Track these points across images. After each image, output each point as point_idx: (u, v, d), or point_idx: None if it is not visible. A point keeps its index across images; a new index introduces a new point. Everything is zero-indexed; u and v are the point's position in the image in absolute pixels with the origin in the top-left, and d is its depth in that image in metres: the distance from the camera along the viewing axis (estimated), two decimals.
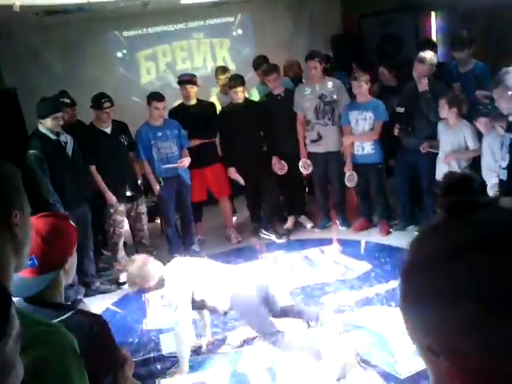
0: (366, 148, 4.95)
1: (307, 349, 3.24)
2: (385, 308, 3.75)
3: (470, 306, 0.51)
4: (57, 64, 6.63)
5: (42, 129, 4.28)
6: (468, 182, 0.60)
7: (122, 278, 4.90)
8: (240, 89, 5.04)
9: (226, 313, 3.29)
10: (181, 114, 5.15)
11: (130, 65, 7.03)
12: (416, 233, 0.63)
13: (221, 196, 5.49)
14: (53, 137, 4.30)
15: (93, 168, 4.68)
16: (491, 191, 3.63)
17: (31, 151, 4.19)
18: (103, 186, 4.70)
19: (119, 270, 4.92)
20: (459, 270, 0.52)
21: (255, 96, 5.64)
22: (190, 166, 5.06)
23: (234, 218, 5.88)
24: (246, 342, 3.57)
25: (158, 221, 5.81)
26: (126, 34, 6.93)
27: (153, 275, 3.14)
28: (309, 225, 5.52)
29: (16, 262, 1.00)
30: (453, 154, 4.36)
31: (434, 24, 7.04)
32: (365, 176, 5.02)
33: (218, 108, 5.48)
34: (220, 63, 6.81)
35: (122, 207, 4.82)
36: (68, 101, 4.96)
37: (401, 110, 4.67)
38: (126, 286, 4.83)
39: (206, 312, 3.50)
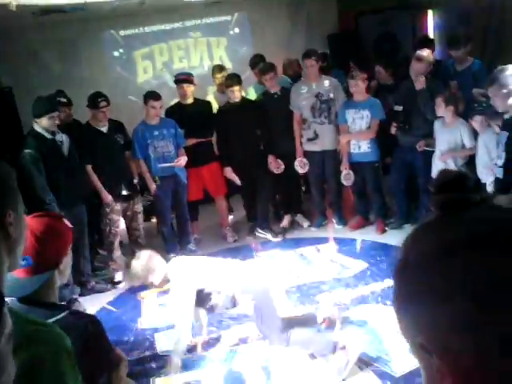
0: (362, 146, 4.95)
1: (314, 346, 3.25)
2: (380, 306, 3.76)
3: (463, 303, 0.51)
4: (53, 63, 6.61)
5: (37, 128, 4.26)
6: (462, 179, 0.60)
7: (118, 277, 4.91)
8: (237, 88, 5.03)
9: (234, 305, 3.29)
10: (177, 112, 5.14)
11: (126, 64, 7.01)
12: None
13: (217, 195, 5.49)
14: (48, 136, 4.28)
15: (89, 167, 4.67)
16: (490, 188, 3.64)
17: (26, 150, 4.17)
18: (99, 185, 4.69)
19: (115, 269, 4.91)
20: (453, 267, 0.52)
21: (252, 95, 5.63)
22: (187, 165, 5.05)
23: (231, 217, 5.88)
24: (241, 340, 3.57)
25: (154, 220, 5.80)
26: (122, 33, 6.91)
27: (157, 271, 3.15)
28: (305, 223, 5.52)
29: (10, 262, 0.99)
30: (449, 153, 4.37)
31: (431, 22, 7.06)
32: (361, 174, 5.03)
33: (215, 107, 5.48)
34: (217, 62, 6.80)
35: (118, 206, 4.81)
36: (64, 100, 4.95)
37: (399, 108, 4.67)
38: (121, 285, 4.85)
39: (202, 312, 3.50)
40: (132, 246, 5.21)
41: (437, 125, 4.46)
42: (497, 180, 3.52)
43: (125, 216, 4.97)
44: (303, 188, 6.02)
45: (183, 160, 4.96)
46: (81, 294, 4.57)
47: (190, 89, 5.14)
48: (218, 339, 3.64)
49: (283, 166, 5.21)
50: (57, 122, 4.33)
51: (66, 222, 1.65)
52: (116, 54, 6.96)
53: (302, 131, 5.17)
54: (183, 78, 5.20)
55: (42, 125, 4.24)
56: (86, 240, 4.62)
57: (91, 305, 4.24)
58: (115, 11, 6.24)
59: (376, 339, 3.37)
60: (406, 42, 7.00)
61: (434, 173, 4.39)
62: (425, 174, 4.53)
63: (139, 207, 5.01)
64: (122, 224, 5.03)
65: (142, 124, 4.94)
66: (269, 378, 3.17)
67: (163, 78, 7.05)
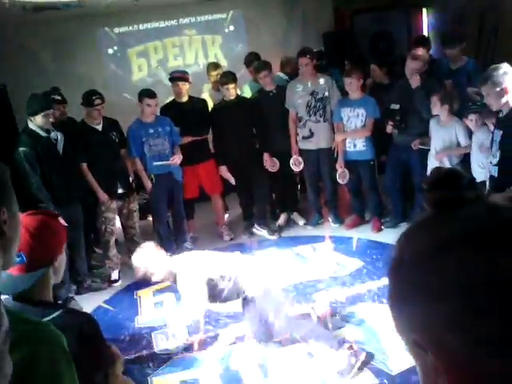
0: (357, 145, 4.95)
1: (323, 338, 3.26)
2: (376, 305, 3.77)
3: (456, 301, 0.51)
4: (47, 61, 6.59)
5: (31, 126, 4.25)
6: (455, 177, 0.60)
7: (114, 275, 4.90)
8: (232, 85, 5.02)
9: (237, 295, 3.30)
10: (173, 110, 5.13)
11: (121, 61, 6.99)
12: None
13: (213, 193, 5.48)
14: (43, 134, 4.27)
15: (84, 166, 4.65)
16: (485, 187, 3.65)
17: (21, 148, 4.16)
18: (95, 183, 4.67)
19: (111, 267, 4.90)
20: (446, 265, 0.52)
21: (247, 93, 5.62)
22: (183, 163, 5.04)
23: (226, 216, 5.88)
24: (238, 339, 3.56)
25: (150, 218, 5.79)
26: (117, 30, 6.89)
27: (159, 264, 3.18)
28: (301, 222, 5.52)
29: (4, 260, 0.99)
30: (444, 151, 4.38)
31: (426, 21, 7.07)
32: (357, 173, 5.03)
33: (210, 105, 5.47)
34: (212, 60, 6.78)
35: (113, 205, 4.80)
36: (59, 97, 4.92)
37: (395, 106, 4.67)
38: (117, 284, 4.84)
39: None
40: (128, 245, 5.21)
41: (432, 123, 4.47)
42: (491, 178, 3.53)
43: (120, 214, 4.96)
44: (299, 186, 6.03)
45: (178, 158, 4.95)
46: (77, 293, 4.56)
47: (185, 87, 5.13)
48: (215, 338, 3.63)
49: (278, 164, 5.21)
50: (51, 119, 4.31)
51: (62, 220, 1.64)
52: (110, 51, 6.93)
53: (297, 129, 5.17)
54: (178, 76, 5.18)
55: (36, 122, 4.22)
56: (81, 239, 4.62)
57: (87, 303, 4.23)
58: (109, 8, 6.21)
59: (372, 337, 3.38)
60: (402, 40, 7.01)
61: (429, 171, 4.40)
62: (420, 173, 4.54)
63: (135, 205, 5.00)
64: (117, 222, 5.02)
65: (136, 122, 4.93)
66: (266, 377, 3.18)
67: (158, 76, 7.04)
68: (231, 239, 5.41)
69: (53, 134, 4.35)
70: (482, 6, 5.72)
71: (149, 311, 4.25)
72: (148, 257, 3.22)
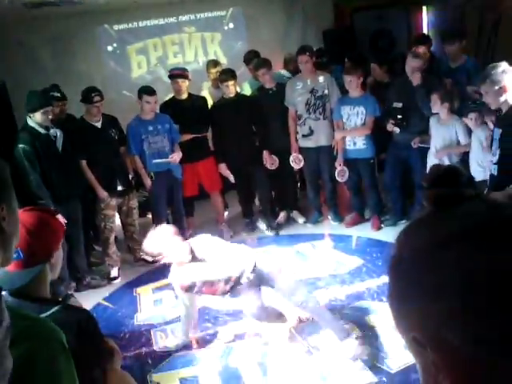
0: (357, 143, 4.95)
1: (329, 326, 3.28)
2: (376, 303, 3.77)
3: (456, 299, 0.50)
4: (47, 58, 6.58)
5: (31, 123, 4.24)
6: (454, 174, 0.60)
7: (113, 272, 4.90)
8: (231, 82, 5.02)
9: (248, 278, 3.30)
10: (172, 108, 5.12)
11: (120, 58, 6.97)
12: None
13: (212, 191, 5.48)
14: (42, 131, 4.26)
15: (83, 163, 4.64)
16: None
17: (20, 145, 4.15)
18: (94, 180, 4.67)
19: (110, 264, 4.90)
20: (445, 262, 0.52)
21: (247, 91, 5.62)
22: (182, 161, 5.04)
23: (226, 213, 5.88)
24: (238, 337, 3.57)
25: (150, 216, 5.79)
26: (116, 27, 6.87)
27: (171, 248, 3.16)
28: (301, 220, 5.52)
29: (3, 257, 0.99)
30: (444, 149, 4.38)
31: (426, 19, 7.07)
32: (356, 171, 5.03)
33: (210, 102, 5.46)
34: (211, 57, 6.77)
35: (113, 202, 4.80)
36: (58, 94, 4.91)
37: (398, 105, 4.66)
38: (117, 281, 4.84)
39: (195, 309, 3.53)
40: (127, 242, 5.21)
41: (432, 121, 4.47)
42: (491, 177, 3.53)
43: (120, 212, 4.96)
44: (299, 184, 6.02)
45: (177, 156, 4.95)
46: (76, 290, 4.56)
47: (184, 84, 5.12)
48: (214, 335, 3.64)
49: (278, 162, 5.21)
50: (50, 116, 4.30)
51: (60, 217, 1.64)
52: (110, 48, 6.92)
53: (297, 127, 5.16)
54: (178, 73, 5.17)
55: (35, 119, 4.22)
56: (81, 236, 4.62)
57: (87, 300, 4.23)
58: (109, 5, 6.20)
59: (372, 335, 3.38)
60: (401, 38, 7.00)
61: (429, 169, 4.39)
62: (420, 171, 4.54)
63: (134, 203, 5.00)
64: (117, 220, 5.02)
65: (136, 119, 4.92)
66: (265, 375, 3.18)
67: (158, 73, 7.02)
68: (231, 237, 5.40)
69: (52, 131, 4.34)
70: (482, 4, 5.72)
71: (148, 308, 4.25)
72: (165, 238, 3.19)
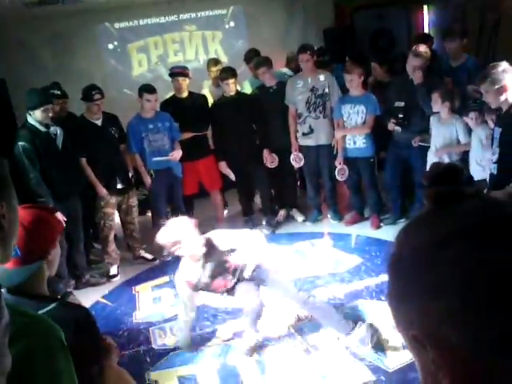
0: (357, 142, 4.95)
1: (335, 322, 3.30)
2: (374, 301, 3.77)
3: (456, 298, 0.50)
4: (47, 56, 6.57)
5: (31, 120, 4.23)
6: (455, 172, 0.60)
7: (113, 270, 4.90)
8: (232, 81, 5.01)
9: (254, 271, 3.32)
10: (172, 106, 5.12)
11: (121, 57, 6.97)
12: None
13: (212, 189, 5.48)
14: (42, 129, 4.26)
15: (83, 161, 4.64)
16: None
17: (20, 143, 4.15)
18: (94, 178, 4.67)
19: (110, 262, 4.91)
20: (445, 261, 0.52)
21: (247, 89, 5.61)
22: (182, 159, 5.04)
23: (226, 212, 5.88)
24: (236, 335, 3.57)
25: (149, 214, 5.79)
26: (117, 25, 6.86)
27: (184, 241, 3.11)
28: (300, 218, 5.52)
29: (2, 254, 0.99)
30: (444, 148, 4.38)
31: (427, 18, 7.06)
32: (356, 170, 5.03)
33: (210, 101, 5.46)
34: (212, 56, 6.77)
35: (112, 200, 4.80)
36: (58, 92, 4.91)
37: (400, 104, 4.65)
38: (116, 279, 4.84)
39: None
40: (127, 240, 5.21)
41: (433, 120, 4.46)
42: (491, 176, 3.53)
43: (119, 210, 4.96)
44: (298, 183, 6.02)
45: (177, 154, 4.95)
46: (75, 288, 4.56)
47: (185, 82, 5.12)
48: (212, 333, 3.64)
49: (278, 160, 5.21)
50: (51, 114, 4.30)
51: (60, 215, 1.65)
52: (110, 46, 6.91)
53: (297, 126, 5.16)
54: (178, 72, 5.17)
55: (35, 117, 4.21)
56: (80, 233, 4.62)
57: (86, 298, 4.23)
58: (110, 3, 6.20)
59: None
60: (402, 37, 7.00)
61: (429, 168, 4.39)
62: (420, 170, 4.53)
63: (134, 201, 5.00)
64: (116, 218, 5.02)
65: (136, 117, 4.92)
66: (263, 372, 3.18)
67: (158, 72, 7.01)
68: None
69: (52, 129, 4.34)
70: (483, 3, 5.71)
71: (147, 306, 4.25)
72: (183, 228, 3.15)
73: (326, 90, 5.03)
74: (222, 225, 5.46)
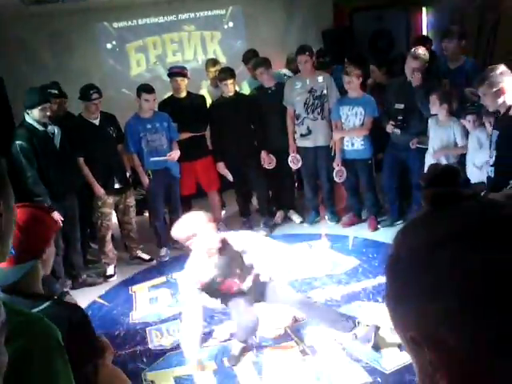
0: (355, 144, 4.95)
1: (336, 323, 3.30)
2: (371, 303, 3.77)
3: (453, 299, 0.50)
4: (45, 54, 6.56)
5: (28, 119, 4.23)
6: (452, 174, 0.60)
7: (110, 270, 4.89)
8: (230, 81, 5.01)
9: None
10: (171, 106, 5.11)
11: (119, 56, 6.96)
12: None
13: (210, 189, 5.47)
14: (40, 128, 4.25)
15: (81, 160, 4.63)
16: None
17: (17, 142, 4.14)
18: (91, 178, 4.66)
19: (106, 262, 4.90)
20: (442, 261, 0.52)
21: (246, 90, 5.61)
22: (180, 159, 5.03)
23: (223, 212, 5.87)
24: (233, 335, 3.56)
25: (147, 214, 5.78)
26: (115, 25, 6.86)
27: (199, 235, 3.05)
28: (297, 219, 5.52)
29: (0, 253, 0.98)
30: (442, 150, 4.39)
31: (425, 19, 7.08)
32: (354, 171, 5.03)
33: (209, 101, 5.46)
34: (211, 56, 6.77)
35: (110, 200, 4.79)
36: (56, 91, 4.90)
37: (400, 106, 4.65)
38: (113, 279, 4.83)
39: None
40: (124, 240, 5.20)
41: (431, 123, 4.47)
42: (488, 179, 3.54)
43: (117, 209, 4.95)
44: (296, 184, 6.02)
45: (175, 154, 4.95)
46: (72, 287, 4.55)
47: (183, 82, 5.12)
48: (209, 334, 3.63)
49: (275, 161, 5.21)
50: (48, 113, 4.29)
51: (57, 214, 1.65)
52: (109, 46, 6.90)
53: (295, 127, 5.16)
54: (177, 72, 5.16)
55: (33, 116, 4.20)
56: (77, 233, 4.60)
57: (82, 298, 4.22)
58: (109, 3, 6.19)
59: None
60: (401, 39, 7.02)
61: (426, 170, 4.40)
62: (418, 172, 4.54)
63: (131, 201, 5.00)
64: (113, 217, 5.01)
65: (134, 117, 4.92)
66: (260, 373, 3.18)
67: (157, 72, 7.01)
68: None
69: (50, 128, 4.33)
70: (482, 5, 5.72)
71: (144, 307, 4.25)
72: (199, 222, 3.08)
73: (325, 92, 5.03)
74: (220, 225, 5.47)
